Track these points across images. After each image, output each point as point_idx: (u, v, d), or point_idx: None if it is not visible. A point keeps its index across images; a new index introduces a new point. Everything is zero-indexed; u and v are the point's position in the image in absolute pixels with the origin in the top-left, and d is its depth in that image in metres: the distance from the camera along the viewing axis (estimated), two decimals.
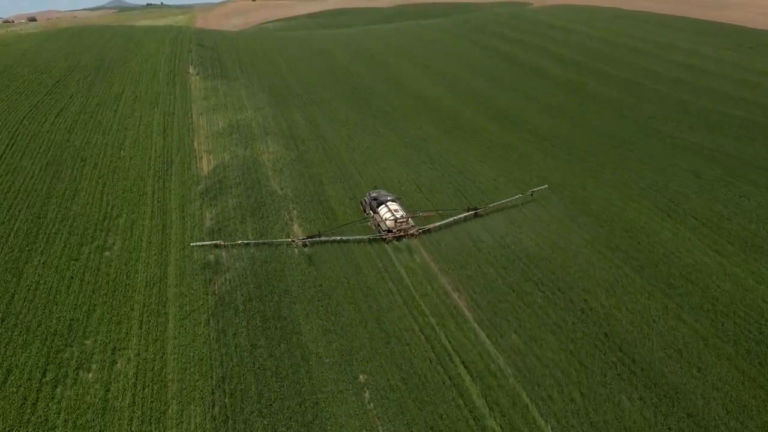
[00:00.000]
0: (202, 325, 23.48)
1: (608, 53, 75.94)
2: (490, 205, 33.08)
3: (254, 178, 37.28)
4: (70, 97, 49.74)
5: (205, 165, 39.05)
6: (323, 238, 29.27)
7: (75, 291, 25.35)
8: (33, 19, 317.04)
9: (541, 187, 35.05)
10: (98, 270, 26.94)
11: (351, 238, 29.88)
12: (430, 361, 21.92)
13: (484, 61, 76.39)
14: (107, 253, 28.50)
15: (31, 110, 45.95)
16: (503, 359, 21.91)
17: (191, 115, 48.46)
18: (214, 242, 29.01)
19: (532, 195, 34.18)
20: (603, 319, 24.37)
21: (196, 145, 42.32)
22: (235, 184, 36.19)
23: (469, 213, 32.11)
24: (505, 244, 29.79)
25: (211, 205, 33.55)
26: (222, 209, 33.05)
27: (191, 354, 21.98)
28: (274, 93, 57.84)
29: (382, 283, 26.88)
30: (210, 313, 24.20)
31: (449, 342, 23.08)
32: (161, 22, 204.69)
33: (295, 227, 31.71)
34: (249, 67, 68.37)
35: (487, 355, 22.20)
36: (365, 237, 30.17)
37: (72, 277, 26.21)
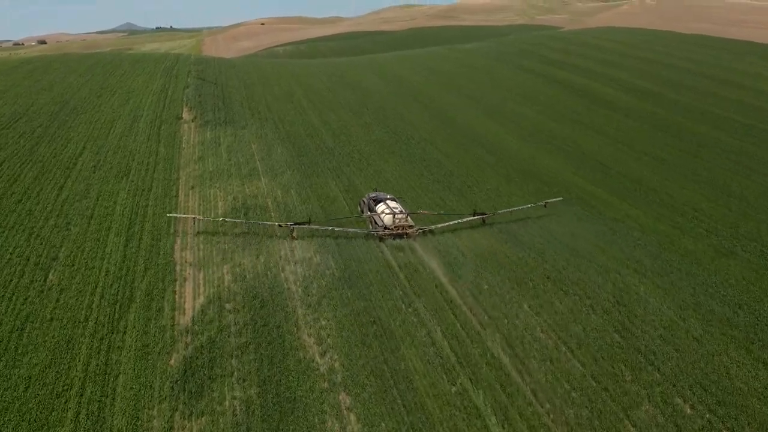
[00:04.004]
0: None
1: (689, 84, 59.20)
2: (499, 212, 29.32)
3: (272, 328, 19.87)
4: None
5: (189, 302, 21.39)
6: (313, 226, 26.41)
7: None
8: (43, 42, 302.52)
9: (556, 199, 30.87)
10: None
11: (344, 229, 26.70)
12: None
13: (540, 91, 59.50)
14: None
15: None
16: None
17: (177, 190, 30.67)
18: (193, 216, 26.88)
19: (545, 206, 29.99)
20: None
21: (177, 251, 24.60)
22: (239, 348, 18.78)
23: (476, 218, 28.42)
24: None
25: (190, 412, 16.19)
26: (212, 422, 15.73)
27: None
28: (296, 145, 40.19)
29: None
30: None
31: None
32: (168, 45, 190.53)
33: None
34: (262, 106, 50.19)
35: None
36: (360, 230, 26.73)
37: None
